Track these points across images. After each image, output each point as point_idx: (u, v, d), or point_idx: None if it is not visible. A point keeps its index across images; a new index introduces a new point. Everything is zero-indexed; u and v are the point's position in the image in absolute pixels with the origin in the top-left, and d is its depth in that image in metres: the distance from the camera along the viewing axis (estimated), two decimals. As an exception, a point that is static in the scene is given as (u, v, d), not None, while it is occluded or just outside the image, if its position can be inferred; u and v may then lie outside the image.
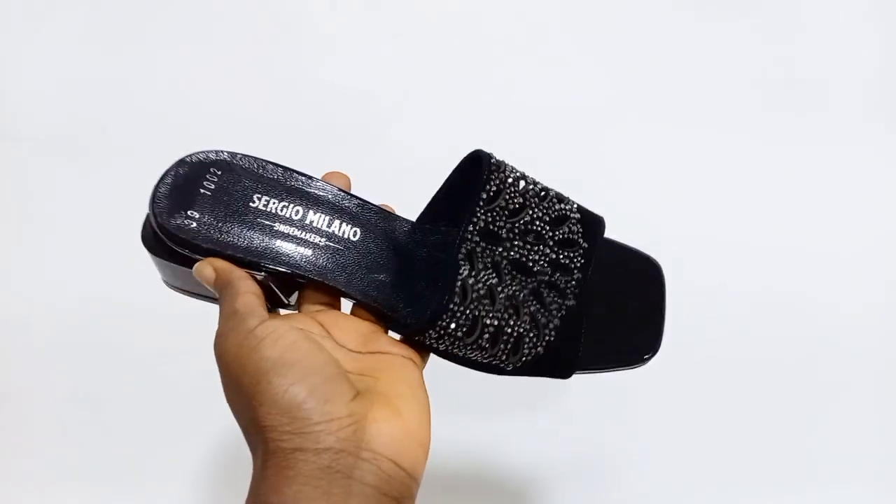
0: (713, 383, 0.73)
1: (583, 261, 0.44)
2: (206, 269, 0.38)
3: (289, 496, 0.28)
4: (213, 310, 0.65)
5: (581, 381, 0.70)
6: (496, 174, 0.42)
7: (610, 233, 0.68)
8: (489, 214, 0.41)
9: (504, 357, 0.41)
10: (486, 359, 0.41)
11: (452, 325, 0.38)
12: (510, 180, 0.42)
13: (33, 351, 0.72)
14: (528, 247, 0.42)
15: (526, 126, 0.72)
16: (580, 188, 0.71)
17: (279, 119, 0.72)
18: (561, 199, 0.44)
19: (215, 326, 0.65)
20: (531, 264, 0.42)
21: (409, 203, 0.74)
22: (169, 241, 0.39)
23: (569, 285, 0.43)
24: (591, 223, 0.45)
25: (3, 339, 0.72)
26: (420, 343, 0.40)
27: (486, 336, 0.39)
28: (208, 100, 0.72)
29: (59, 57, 0.73)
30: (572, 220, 0.44)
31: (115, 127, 0.73)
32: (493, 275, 0.41)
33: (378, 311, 0.42)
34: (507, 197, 0.42)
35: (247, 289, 0.36)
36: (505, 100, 0.72)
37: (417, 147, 0.71)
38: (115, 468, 0.72)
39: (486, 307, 0.39)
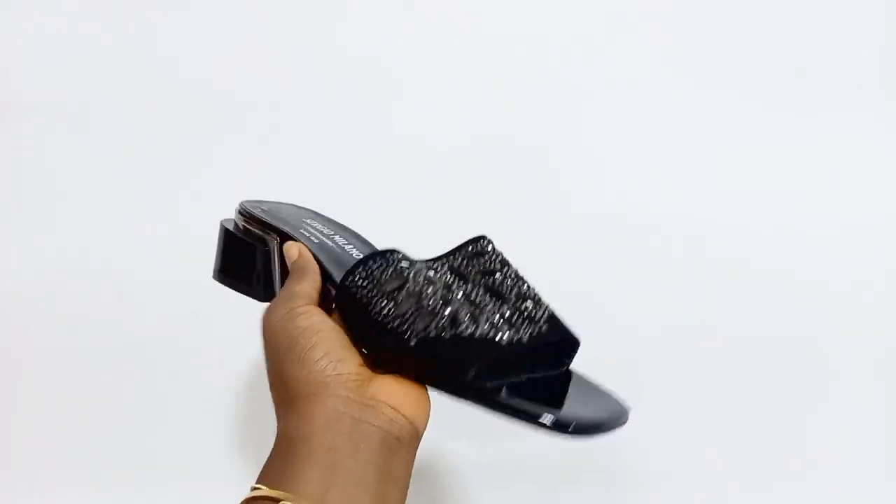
0: (713, 379, 0.71)
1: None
2: (294, 248, 0.47)
3: (312, 427, 0.36)
4: (213, 310, 0.66)
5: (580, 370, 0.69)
6: (489, 244, 0.44)
7: (624, 217, 0.69)
8: (465, 261, 0.43)
9: (441, 319, 0.38)
10: (418, 310, 0.39)
11: (404, 263, 0.41)
12: (500, 255, 0.44)
13: (35, 330, 0.72)
14: (490, 300, 0.41)
15: (536, 115, 0.71)
16: (589, 170, 0.71)
17: (288, 88, 0.72)
18: (538, 301, 0.42)
19: (218, 326, 0.69)
20: (486, 309, 0.41)
21: (414, 186, 0.73)
22: (244, 220, 0.51)
23: (520, 332, 0.40)
24: (565, 338, 0.42)
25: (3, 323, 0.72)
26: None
27: (419, 290, 0.39)
28: (216, 70, 0.71)
29: (64, 26, 0.72)
30: (543, 313, 0.41)
31: (124, 97, 0.72)
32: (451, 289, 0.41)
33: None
34: (489, 259, 0.43)
35: (313, 280, 0.44)
36: (514, 85, 0.71)
37: (423, 127, 0.71)
38: (115, 468, 0.72)
39: (432, 276, 0.40)
